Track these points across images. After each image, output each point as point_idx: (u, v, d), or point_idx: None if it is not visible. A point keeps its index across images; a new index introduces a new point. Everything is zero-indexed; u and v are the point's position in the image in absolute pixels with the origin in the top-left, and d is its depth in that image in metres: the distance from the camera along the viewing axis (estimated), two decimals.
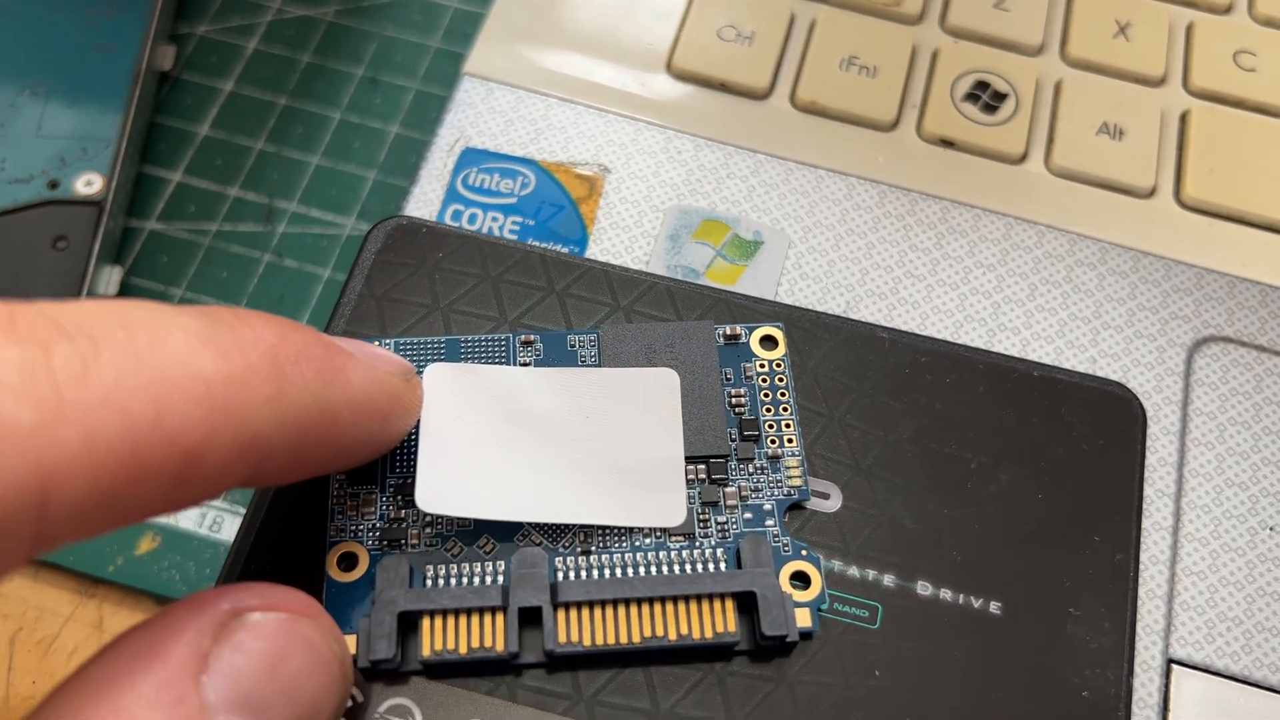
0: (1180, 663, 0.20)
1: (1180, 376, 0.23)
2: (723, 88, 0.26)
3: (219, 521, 0.24)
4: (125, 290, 0.26)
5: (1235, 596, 0.21)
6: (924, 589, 0.19)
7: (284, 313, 0.26)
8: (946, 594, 0.19)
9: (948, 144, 0.25)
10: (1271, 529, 0.21)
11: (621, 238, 0.24)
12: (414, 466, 0.19)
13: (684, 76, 0.26)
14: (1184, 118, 0.26)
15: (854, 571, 0.19)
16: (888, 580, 0.19)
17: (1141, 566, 0.21)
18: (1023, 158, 0.25)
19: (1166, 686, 0.20)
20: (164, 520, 0.23)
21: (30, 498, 0.11)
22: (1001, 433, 0.20)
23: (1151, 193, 0.25)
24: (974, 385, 0.21)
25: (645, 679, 0.18)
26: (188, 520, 0.24)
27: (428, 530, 0.19)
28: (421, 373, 0.20)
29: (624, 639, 0.18)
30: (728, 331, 0.21)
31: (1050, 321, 0.23)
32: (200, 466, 0.13)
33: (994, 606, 0.19)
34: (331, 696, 0.15)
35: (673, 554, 0.19)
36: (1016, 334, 0.23)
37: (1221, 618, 0.21)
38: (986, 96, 0.26)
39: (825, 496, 0.20)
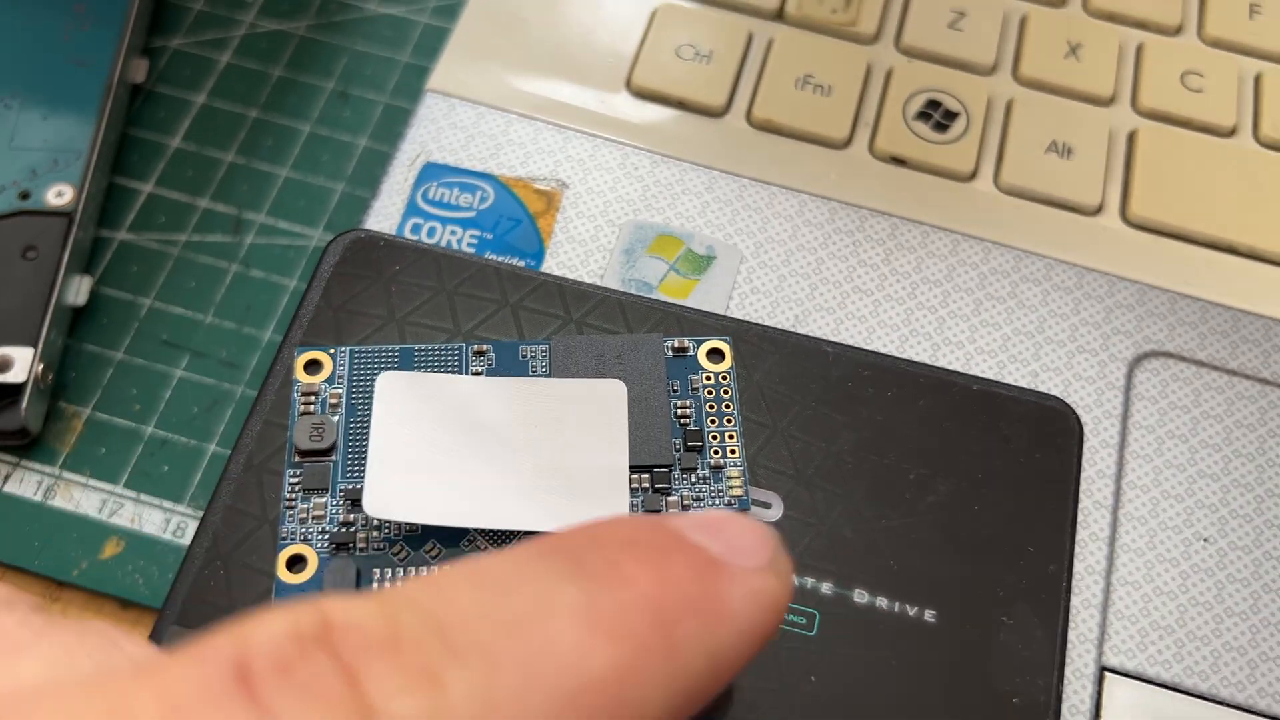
0: (1113, 670, 0.21)
1: (1121, 390, 0.23)
2: (680, 105, 0.27)
3: (182, 527, 0.24)
4: (95, 299, 0.26)
5: (1168, 606, 0.21)
6: (860, 597, 0.20)
7: (251, 322, 0.26)
8: (882, 602, 0.20)
9: (899, 162, 0.26)
10: (1206, 540, 0.22)
11: (578, 251, 0.24)
12: (364, 472, 0.19)
13: (643, 94, 0.27)
14: (1132, 137, 0.27)
15: (793, 579, 0.19)
16: (825, 588, 0.20)
17: (1077, 576, 0.21)
18: (972, 175, 0.26)
19: (1099, 694, 0.21)
20: (128, 524, 0.24)
21: None
22: (941, 445, 0.21)
23: (1098, 210, 0.26)
24: (915, 399, 0.21)
25: None
26: (151, 525, 0.24)
27: (375, 535, 0.19)
28: (374, 382, 0.20)
29: None
30: (676, 344, 0.21)
31: (994, 336, 0.24)
32: None
33: (929, 615, 0.19)
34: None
35: None
36: (960, 348, 0.24)
37: (1154, 626, 0.21)
38: (938, 115, 0.27)
39: (767, 506, 0.20)
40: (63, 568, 0.24)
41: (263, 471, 0.20)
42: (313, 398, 0.20)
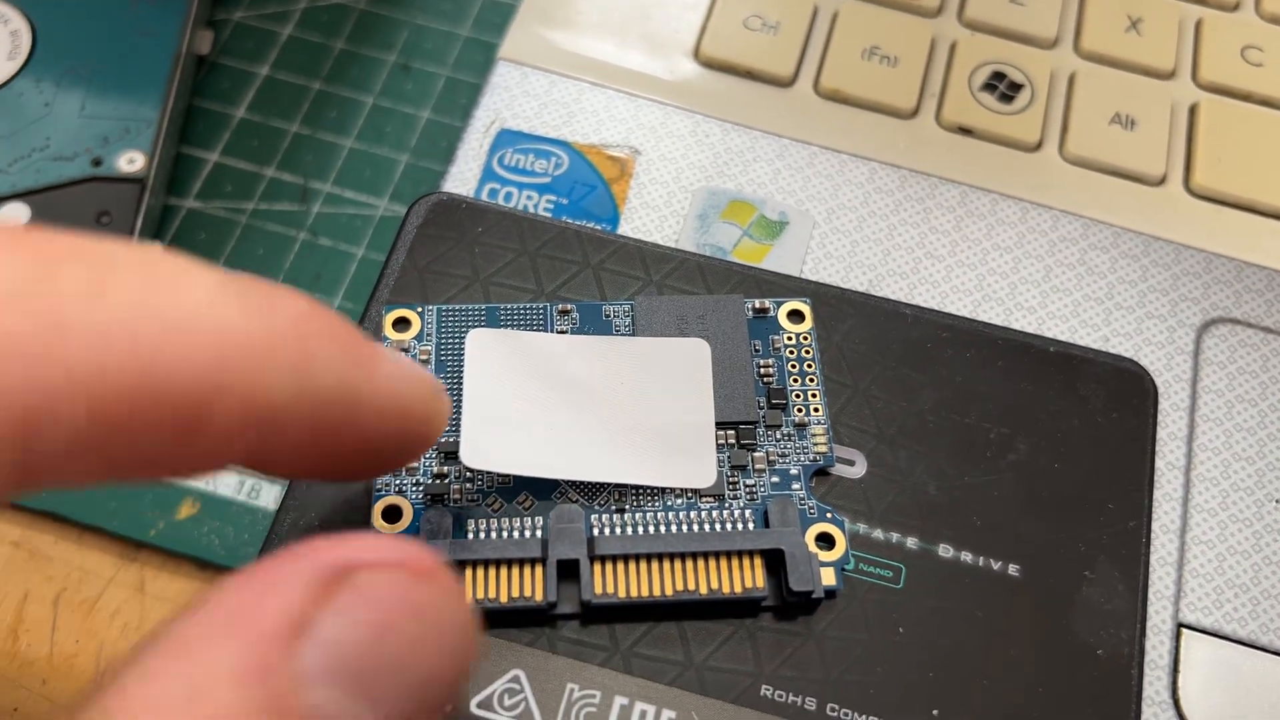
0: (1190, 627, 0.21)
1: (1190, 355, 0.24)
2: (749, 75, 0.27)
3: (257, 488, 0.24)
4: None
5: (1242, 565, 0.22)
6: (945, 551, 0.20)
7: (321, 289, 0.26)
8: (967, 556, 0.20)
9: (966, 131, 0.26)
10: (1277, 501, 0.22)
11: (652, 217, 0.25)
12: (458, 426, 0.20)
13: (711, 64, 0.27)
14: (1193, 109, 0.27)
15: (878, 534, 0.20)
16: (911, 543, 0.20)
17: (1153, 535, 0.22)
18: (1038, 145, 0.26)
19: (1177, 649, 0.21)
20: (203, 486, 0.24)
21: (17, 421, 0.10)
22: (1019, 405, 0.21)
23: (1162, 180, 0.26)
24: (993, 360, 0.21)
25: (679, 632, 0.19)
26: (226, 487, 0.24)
27: (469, 486, 0.20)
28: (462, 339, 0.21)
29: (657, 592, 0.18)
30: (756, 305, 0.21)
31: (1065, 302, 0.24)
32: (206, 426, 0.12)
33: (1013, 569, 0.20)
34: (450, 667, 0.13)
35: (703, 514, 0.19)
36: (1032, 313, 0.24)
37: (1229, 585, 0.21)
38: (1003, 86, 0.27)
39: (850, 463, 0.20)
40: (140, 528, 0.24)
41: None
42: (403, 353, 0.21)
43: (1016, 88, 0.27)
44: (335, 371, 0.13)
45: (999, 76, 0.27)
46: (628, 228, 0.24)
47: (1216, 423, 0.23)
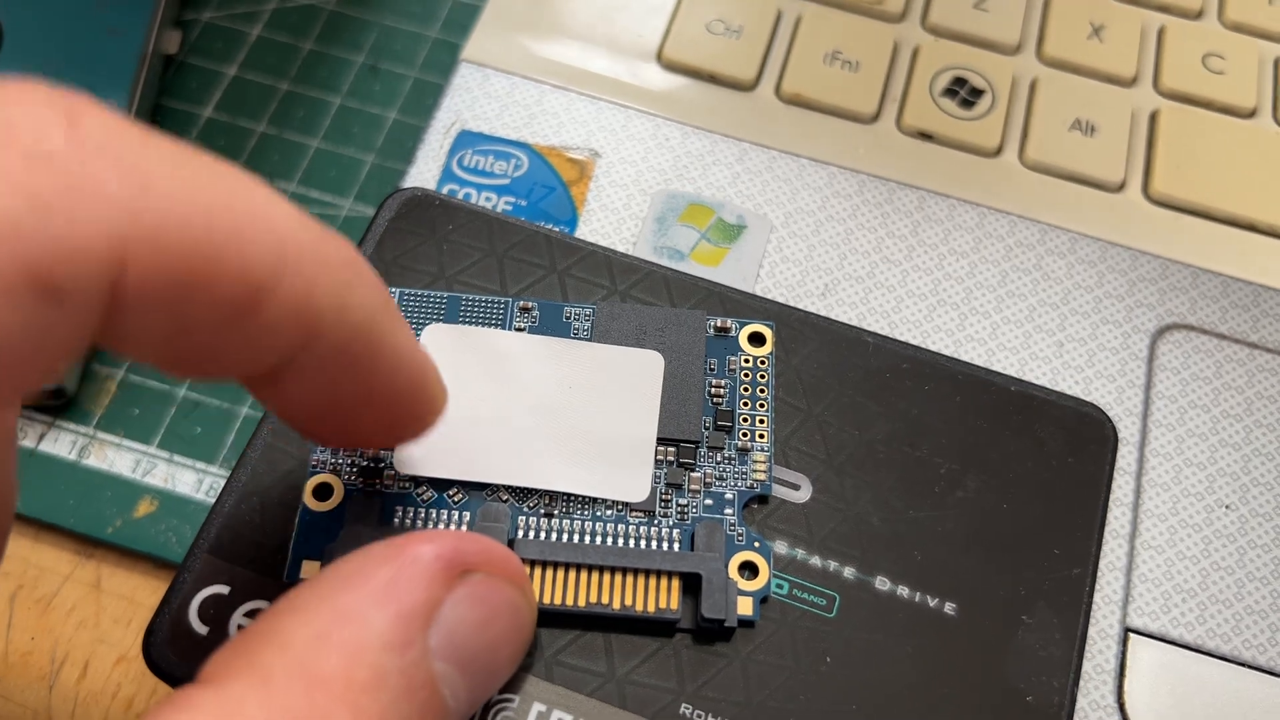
0: (1137, 632, 0.21)
1: (1144, 361, 0.24)
2: (711, 79, 0.27)
3: (214, 487, 0.24)
4: None
5: (1191, 570, 0.22)
6: (882, 584, 0.20)
7: None
8: (904, 591, 0.20)
9: (926, 136, 0.26)
10: (1227, 507, 0.22)
11: (610, 219, 0.25)
12: None
13: (674, 67, 0.27)
14: (1154, 116, 0.27)
15: (816, 561, 0.20)
16: (848, 572, 0.20)
17: (1103, 540, 0.22)
18: (998, 151, 0.26)
19: (1124, 654, 0.21)
20: (161, 484, 0.24)
21: (113, 258, 0.11)
22: (974, 442, 0.21)
23: (1121, 187, 0.26)
24: (952, 394, 0.21)
25: (604, 644, 0.19)
26: (184, 485, 0.24)
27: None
28: (421, 330, 0.21)
29: (570, 601, 0.18)
30: (718, 324, 0.21)
31: (1020, 307, 0.24)
32: (258, 312, 0.13)
33: (949, 607, 0.19)
34: (518, 659, 0.16)
35: (630, 528, 0.19)
36: (987, 318, 0.24)
37: (1177, 590, 0.22)
38: (964, 92, 0.27)
39: (795, 487, 0.20)
40: (97, 525, 0.24)
41: None
42: None
43: (978, 93, 0.27)
44: (369, 309, 0.14)
45: (960, 82, 0.27)
46: (586, 230, 0.25)
47: (1169, 428, 0.23)
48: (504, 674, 0.16)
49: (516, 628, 0.16)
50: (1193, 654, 0.21)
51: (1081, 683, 0.21)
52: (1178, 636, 0.21)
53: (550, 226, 0.23)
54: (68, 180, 0.11)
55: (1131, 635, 0.21)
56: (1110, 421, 0.21)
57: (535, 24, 0.28)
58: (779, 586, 0.19)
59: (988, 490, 0.20)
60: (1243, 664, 0.21)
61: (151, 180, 0.12)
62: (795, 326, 0.22)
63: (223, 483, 0.24)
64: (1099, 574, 0.21)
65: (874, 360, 0.21)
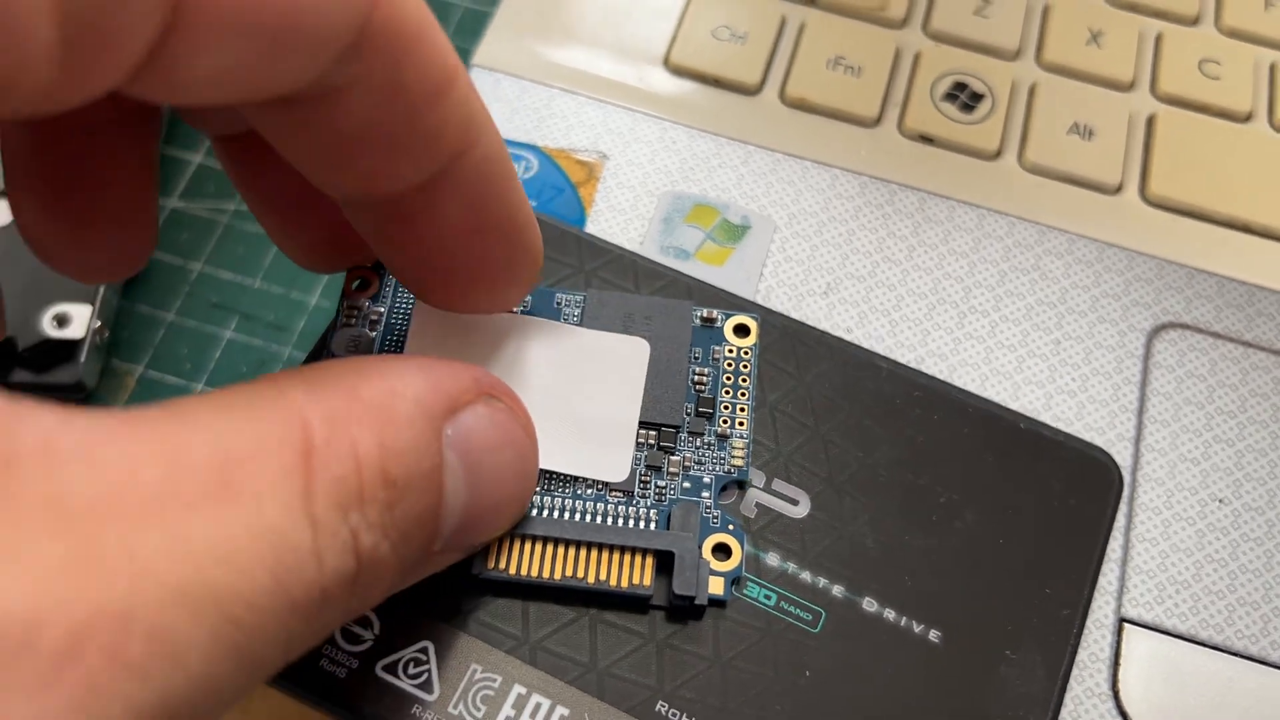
0: (1132, 622, 0.22)
1: (1139, 359, 0.24)
2: (716, 83, 0.28)
3: None
4: (148, 263, 0.27)
5: (1185, 562, 0.22)
6: (869, 605, 0.20)
7: (300, 286, 0.27)
8: (890, 614, 0.20)
9: (927, 140, 0.27)
10: (1221, 501, 0.23)
11: (618, 219, 0.25)
12: None
13: (680, 71, 0.28)
14: (1151, 120, 0.28)
15: (806, 576, 0.20)
16: (836, 590, 0.20)
17: (1096, 586, 0.22)
18: (997, 154, 0.27)
19: (1118, 643, 0.22)
20: None
21: None
22: (977, 475, 0.21)
23: (1118, 189, 0.27)
24: (960, 426, 0.21)
25: (589, 635, 0.19)
26: None
27: None
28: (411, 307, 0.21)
29: (546, 574, 0.19)
30: (704, 314, 0.22)
31: (1018, 305, 0.25)
32: (447, 95, 0.15)
33: (934, 635, 0.20)
34: (514, 510, 0.18)
35: (609, 507, 0.20)
36: (985, 316, 0.24)
37: (1171, 581, 0.22)
38: (964, 96, 0.27)
39: (794, 502, 0.21)
40: None
41: None
42: (356, 312, 0.21)
43: (978, 98, 0.28)
44: (501, 142, 0.16)
45: (960, 87, 0.28)
46: (594, 230, 0.25)
47: (1164, 425, 0.24)
48: (499, 516, 0.17)
49: (520, 474, 0.17)
50: (1186, 644, 0.22)
51: (1076, 671, 0.21)
52: (1171, 627, 0.22)
53: (581, 230, 0.23)
54: None
55: (1126, 625, 0.22)
56: (1116, 467, 0.21)
57: (545, 30, 0.28)
58: (767, 597, 0.20)
59: (986, 524, 0.20)
60: (1235, 654, 0.21)
61: None
62: (811, 345, 0.22)
63: None
64: (1079, 647, 0.21)
65: (886, 385, 0.22)
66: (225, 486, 0.12)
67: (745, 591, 0.20)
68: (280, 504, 0.12)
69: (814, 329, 0.22)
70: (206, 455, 0.12)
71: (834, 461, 0.21)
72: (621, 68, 0.28)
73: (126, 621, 0.10)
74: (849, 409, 0.21)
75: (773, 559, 0.20)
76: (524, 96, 0.27)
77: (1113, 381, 0.24)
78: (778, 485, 0.21)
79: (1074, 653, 0.20)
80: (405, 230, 0.17)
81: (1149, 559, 0.22)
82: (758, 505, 0.21)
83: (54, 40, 0.11)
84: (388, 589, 0.15)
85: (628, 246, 0.25)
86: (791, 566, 0.20)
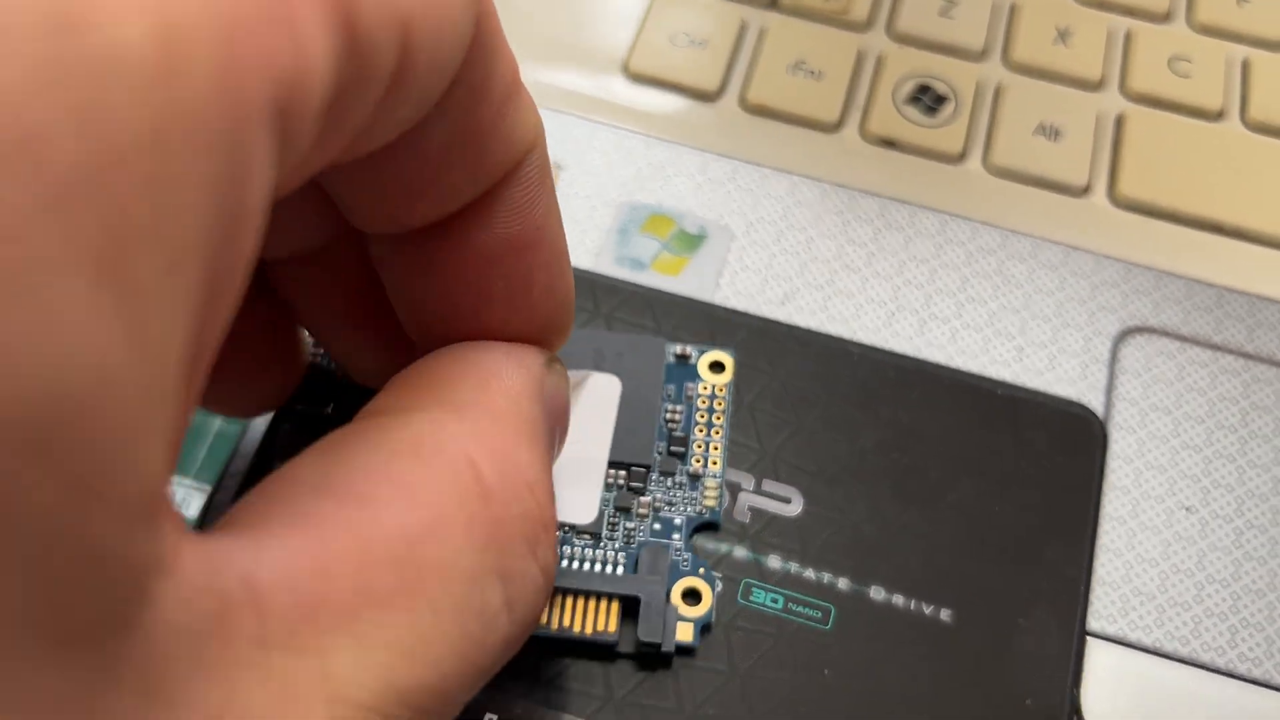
0: (1095, 635, 0.21)
1: (1106, 365, 0.24)
2: (676, 89, 0.27)
3: (187, 499, 0.25)
4: None
5: (1150, 573, 0.22)
6: (877, 594, 0.20)
7: None
8: (899, 599, 0.20)
9: (890, 144, 0.27)
10: (1188, 510, 0.22)
11: (574, 231, 0.25)
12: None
13: (639, 79, 0.27)
14: (1120, 119, 0.27)
15: (810, 574, 0.20)
16: (842, 584, 0.20)
17: (1096, 537, 0.21)
18: (961, 157, 0.26)
19: (1080, 657, 0.21)
20: None
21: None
22: (963, 446, 0.21)
23: (1085, 190, 0.26)
24: (939, 400, 0.21)
25: (602, 668, 0.19)
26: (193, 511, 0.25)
27: None
28: None
29: None
30: (678, 351, 0.21)
31: (980, 312, 0.24)
32: (509, 110, 0.14)
33: (945, 614, 0.19)
34: (559, 437, 0.18)
35: (576, 550, 0.19)
36: (946, 323, 0.24)
37: (1136, 593, 0.22)
38: (928, 99, 0.27)
39: (787, 501, 0.20)
40: None
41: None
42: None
43: (941, 100, 0.27)
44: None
45: (924, 89, 0.27)
46: None
47: (1130, 431, 0.23)
48: (553, 460, 0.17)
49: (563, 414, 0.17)
50: (1151, 657, 0.21)
51: None
52: (1136, 640, 0.21)
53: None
54: None
55: (1089, 639, 0.21)
56: (1098, 419, 0.21)
57: None
58: (774, 601, 0.19)
59: (979, 494, 0.20)
60: (1201, 666, 0.21)
61: None
62: (780, 340, 0.22)
63: (196, 496, 0.25)
64: (1089, 604, 0.21)
65: (860, 370, 0.21)
66: (413, 571, 0.12)
67: (752, 598, 0.20)
68: (465, 574, 0.12)
69: (781, 324, 0.22)
70: (392, 541, 0.12)
71: (821, 454, 0.21)
72: (580, 76, 0.27)
73: None
74: (827, 399, 0.21)
75: (774, 561, 0.20)
76: None
77: (1078, 388, 0.23)
78: (768, 486, 0.20)
79: (1085, 611, 0.20)
80: (449, 254, 0.15)
81: (1113, 570, 0.22)
82: (750, 509, 0.20)
83: (331, 50, 0.10)
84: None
85: (584, 261, 0.24)
86: (794, 566, 0.20)
